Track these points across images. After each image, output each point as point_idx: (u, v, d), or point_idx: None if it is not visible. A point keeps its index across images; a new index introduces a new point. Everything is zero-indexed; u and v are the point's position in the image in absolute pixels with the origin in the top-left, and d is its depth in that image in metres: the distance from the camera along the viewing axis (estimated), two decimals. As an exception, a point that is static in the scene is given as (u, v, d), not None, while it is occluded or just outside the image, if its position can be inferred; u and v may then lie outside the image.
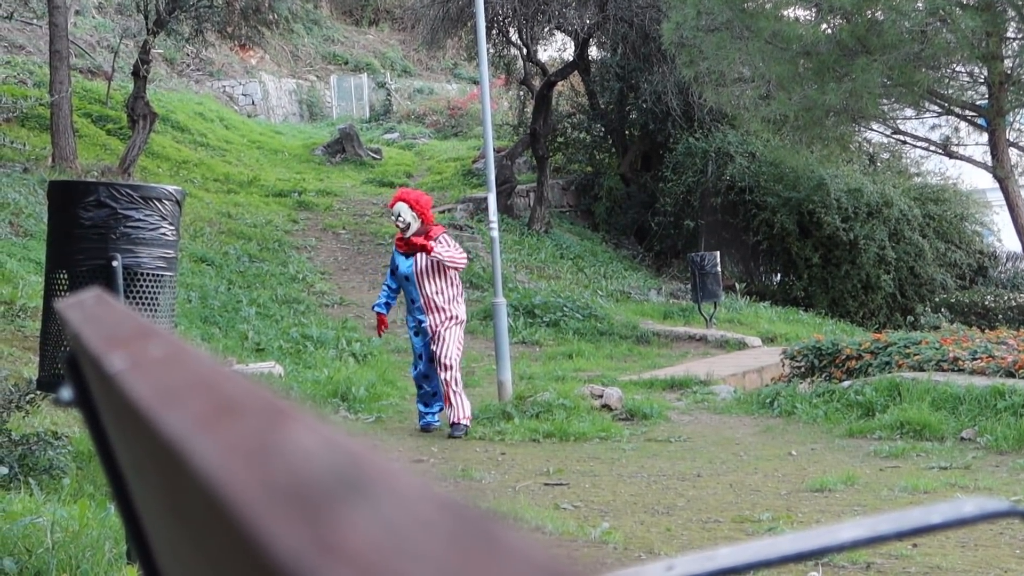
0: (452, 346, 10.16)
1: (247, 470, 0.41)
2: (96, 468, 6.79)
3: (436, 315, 10.08)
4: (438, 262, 9.98)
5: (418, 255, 9.99)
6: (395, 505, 0.35)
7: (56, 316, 4.38)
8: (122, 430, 0.93)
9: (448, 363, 10.10)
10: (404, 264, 10.10)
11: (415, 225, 9.93)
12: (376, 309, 10.64)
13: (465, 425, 10.32)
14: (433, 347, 10.18)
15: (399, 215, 9.92)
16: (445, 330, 10.13)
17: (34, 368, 7.53)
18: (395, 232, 10.57)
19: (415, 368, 10.53)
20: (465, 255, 10.46)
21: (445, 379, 10.16)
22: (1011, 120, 18.01)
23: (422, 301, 10.09)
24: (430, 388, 10.35)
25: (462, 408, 10.32)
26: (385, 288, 10.62)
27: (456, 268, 10.18)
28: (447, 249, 10.04)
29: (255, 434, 0.45)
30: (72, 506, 5.13)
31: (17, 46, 31.67)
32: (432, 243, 9.90)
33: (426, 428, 10.54)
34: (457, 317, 10.27)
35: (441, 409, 10.40)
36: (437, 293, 10.06)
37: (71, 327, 1.14)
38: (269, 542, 0.34)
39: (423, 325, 10.20)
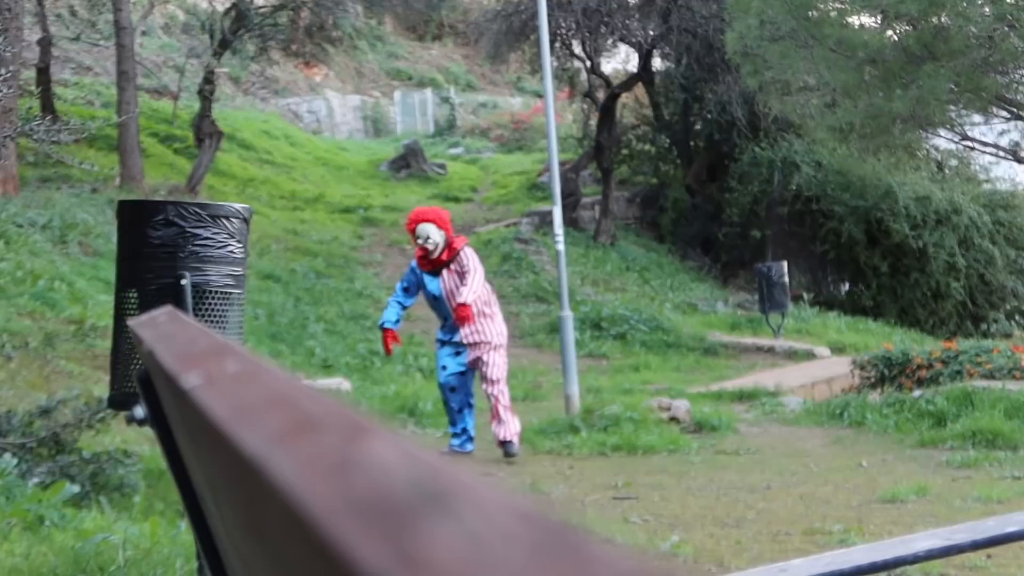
0: (497, 360, 9.87)
1: (328, 485, 0.41)
2: (167, 485, 6.85)
3: (468, 328, 9.70)
4: (463, 276, 9.60)
5: (444, 274, 9.66)
6: (477, 518, 0.35)
7: (127, 334, 4.41)
8: (197, 447, 0.94)
9: (495, 378, 9.84)
10: (433, 284, 9.73)
11: (441, 243, 9.59)
12: (386, 325, 10.05)
13: (515, 444, 9.96)
14: (476, 363, 9.87)
15: (428, 237, 9.50)
16: (488, 351, 9.82)
17: (104, 387, 7.61)
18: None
19: (441, 374, 10.03)
20: (477, 268, 9.76)
21: (493, 393, 9.86)
22: (1083, 125, 17.80)
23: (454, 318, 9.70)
24: (455, 404, 9.89)
25: (512, 423, 9.97)
26: (396, 304, 10.08)
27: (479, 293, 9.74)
28: (473, 289, 9.59)
29: (335, 449, 0.46)
30: (143, 524, 5.18)
31: (85, 67, 32.12)
32: (468, 303, 9.54)
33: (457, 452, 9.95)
34: (495, 340, 9.88)
35: (464, 430, 9.96)
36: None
37: (145, 345, 1.15)
38: (354, 557, 0.34)
39: (455, 339, 9.86)
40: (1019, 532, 1.53)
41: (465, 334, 9.72)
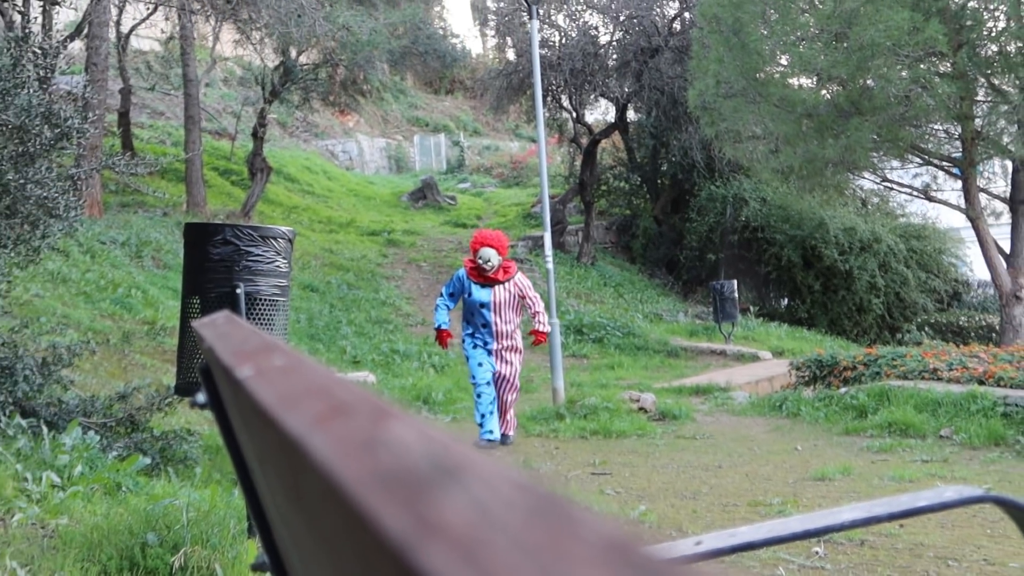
0: (517, 365, 9.67)
1: (357, 460, 0.41)
2: (223, 459, 6.85)
3: (502, 340, 9.56)
4: (517, 297, 9.52)
5: (497, 288, 9.47)
6: (482, 487, 0.36)
7: (191, 334, 4.41)
8: (248, 427, 0.94)
9: (517, 384, 9.68)
10: (483, 294, 9.49)
11: (497, 264, 9.42)
12: (443, 327, 9.83)
13: (512, 437, 9.78)
14: (500, 368, 9.62)
15: (488, 260, 9.33)
16: (512, 355, 9.63)
17: (172, 377, 7.61)
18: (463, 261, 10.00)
19: (479, 372, 9.61)
20: (537, 297, 9.77)
21: (511, 399, 9.69)
22: (980, 170, 17.83)
23: (494, 327, 9.55)
24: (488, 399, 9.56)
25: (513, 421, 9.87)
26: (444, 308, 9.85)
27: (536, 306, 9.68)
28: (537, 304, 9.65)
29: (363, 430, 0.46)
30: (203, 490, 5.16)
31: (158, 112, 32.17)
32: (544, 332, 9.70)
33: (491, 444, 9.54)
34: (519, 347, 9.72)
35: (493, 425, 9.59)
36: (507, 322, 9.54)
37: (205, 343, 1.15)
38: (379, 521, 0.34)
39: (488, 346, 9.63)
40: (927, 506, 1.52)
41: (503, 344, 9.57)
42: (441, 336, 9.93)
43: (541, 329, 9.70)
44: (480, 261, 9.39)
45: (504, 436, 9.73)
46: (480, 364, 9.56)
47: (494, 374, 9.64)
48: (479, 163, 42.00)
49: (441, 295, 9.92)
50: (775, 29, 17.24)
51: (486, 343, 9.63)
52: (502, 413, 9.75)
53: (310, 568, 0.76)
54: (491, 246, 9.33)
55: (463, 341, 9.83)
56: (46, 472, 5.44)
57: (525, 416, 11.41)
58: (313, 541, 0.61)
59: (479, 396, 9.57)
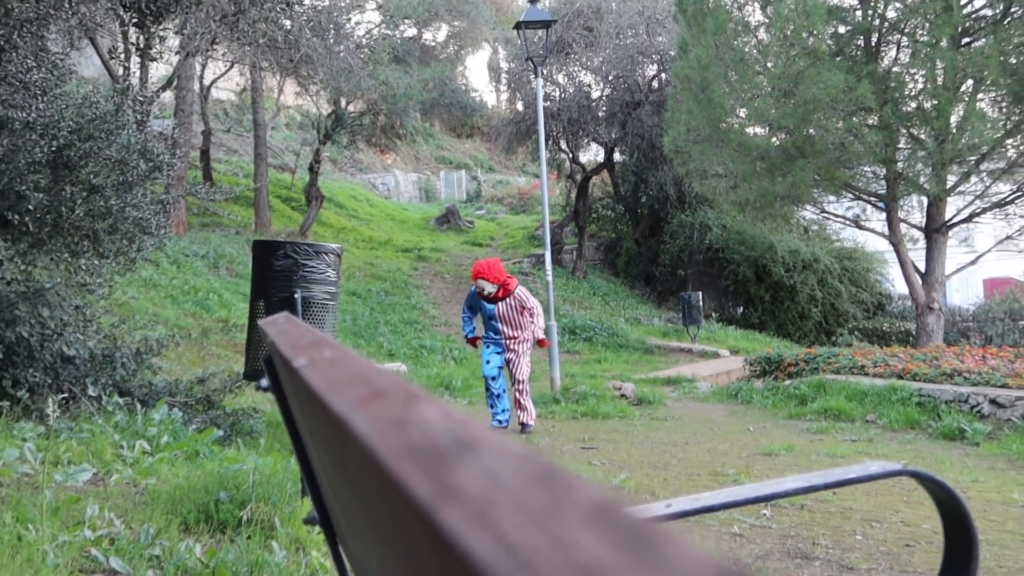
0: (524, 365, 9.39)
1: (391, 435, 0.41)
2: (281, 433, 6.86)
3: (510, 341, 9.31)
4: (518, 308, 9.27)
5: (500, 304, 9.24)
6: (492, 458, 0.36)
7: (257, 330, 4.42)
8: (302, 407, 0.94)
9: (520, 377, 9.37)
10: (488, 308, 9.31)
11: (493, 289, 9.14)
12: (470, 335, 9.67)
13: (531, 426, 9.46)
14: (509, 364, 9.40)
15: (484, 289, 9.14)
16: (519, 352, 9.37)
17: (241, 365, 7.63)
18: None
19: (487, 368, 9.45)
20: (536, 306, 9.41)
21: (518, 389, 9.41)
22: (901, 203, 17.78)
23: (503, 332, 9.33)
24: (495, 390, 9.39)
25: (530, 412, 9.50)
26: (468, 319, 9.71)
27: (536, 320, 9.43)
28: (533, 319, 9.38)
29: (396, 411, 0.46)
30: (266, 457, 5.17)
31: (232, 150, 32.24)
32: (538, 328, 9.40)
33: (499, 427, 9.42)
34: (528, 341, 9.44)
35: (504, 410, 9.41)
36: (515, 327, 9.29)
37: (268, 338, 1.15)
38: (408, 486, 0.34)
39: (499, 346, 9.38)
40: (856, 478, 1.52)
41: (507, 343, 9.37)
42: (471, 342, 9.80)
43: (540, 336, 9.62)
44: (479, 291, 9.28)
45: (524, 425, 9.43)
46: (488, 361, 9.44)
47: (505, 360, 9.45)
48: (493, 194, 42.01)
49: (464, 310, 9.82)
50: (735, 87, 17.24)
51: (497, 343, 9.46)
52: (518, 405, 9.50)
53: (351, 523, 0.76)
54: (484, 278, 9.14)
55: (483, 342, 9.70)
56: (138, 441, 5.45)
57: (528, 400, 11.39)
58: (354, 501, 0.61)
59: (487, 388, 9.51)
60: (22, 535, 3.29)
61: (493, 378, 9.42)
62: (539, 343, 9.76)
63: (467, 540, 0.29)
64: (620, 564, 0.26)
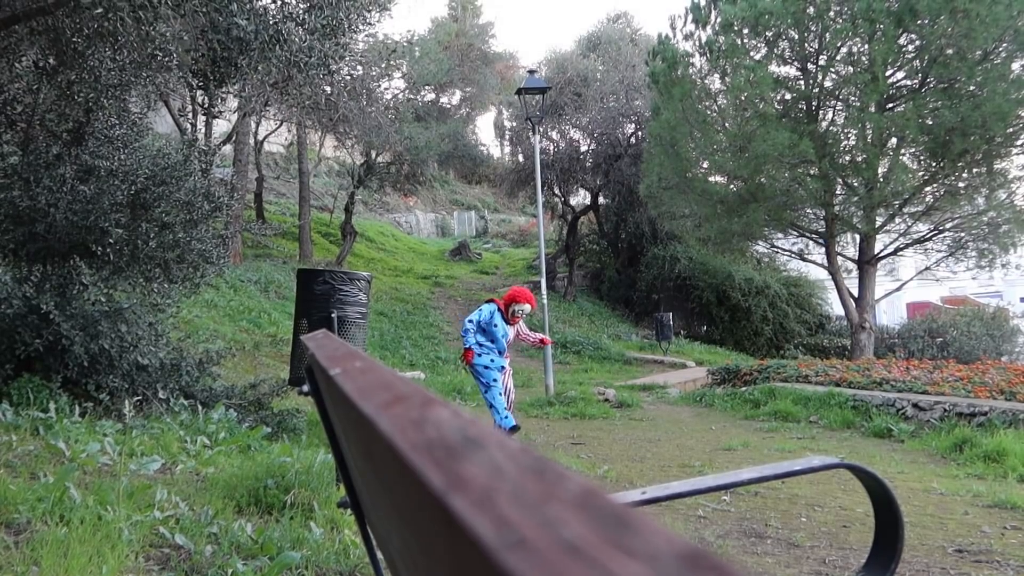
0: (510, 380, 9.00)
1: (410, 433, 0.41)
2: (320, 430, 6.83)
3: (506, 357, 8.81)
4: (515, 332, 8.89)
5: (511, 327, 8.77)
6: (495, 452, 0.36)
7: (300, 344, 4.42)
8: (337, 409, 0.94)
9: (512, 388, 8.95)
10: (506, 329, 8.71)
11: (529, 312, 8.73)
12: (471, 346, 8.80)
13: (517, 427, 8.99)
14: (507, 367, 8.96)
15: (522, 310, 8.65)
16: (509, 366, 8.96)
17: (286, 373, 7.64)
18: (488, 297, 9.48)
19: (495, 387, 8.83)
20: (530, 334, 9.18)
21: (511, 399, 8.98)
22: (838, 240, 17.80)
23: (505, 350, 8.78)
24: (498, 391, 8.78)
25: (513, 416, 9.19)
26: (473, 333, 8.84)
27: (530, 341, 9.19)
28: (532, 335, 9.13)
29: (415, 412, 0.46)
30: (307, 451, 5.15)
31: (281, 194, 32.35)
32: (537, 337, 9.13)
33: (514, 430, 8.78)
34: (508, 363, 9.05)
35: (506, 416, 8.87)
36: (510, 348, 9.01)
37: (309, 350, 1.15)
38: (424, 476, 0.34)
39: (499, 360, 8.84)
40: (801, 469, 1.51)
41: (507, 361, 8.98)
42: (468, 353, 9.46)
43: (543, 336, 9.42)
44: (516, 312, 8.74)
45: (512, 428, 9.20)
46: (487, 367, 8.98)
47: (503, 375, 9.24)
48: (497, 230, 42.08)
49: (472, 321, 9.02)
50: (699, 143, 17.31)
51: (499, 358, 8.93)
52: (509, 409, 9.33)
53: (377, 506, 0.76)
54: (528, 302, 8.71)
55: (479, 356, 8.97)
56: (200, 436, 5.43)
57: (526, 403, 11.36)
58: (379, 488, 0.61)
59: (493, 392, 9.19)
60: (102, 515, 3.28)
61: (494, 381, 9.19)
62: (541, 341, 9.62)
63: (473, 521, 0.29)
64: (601, 541, 0.26)
